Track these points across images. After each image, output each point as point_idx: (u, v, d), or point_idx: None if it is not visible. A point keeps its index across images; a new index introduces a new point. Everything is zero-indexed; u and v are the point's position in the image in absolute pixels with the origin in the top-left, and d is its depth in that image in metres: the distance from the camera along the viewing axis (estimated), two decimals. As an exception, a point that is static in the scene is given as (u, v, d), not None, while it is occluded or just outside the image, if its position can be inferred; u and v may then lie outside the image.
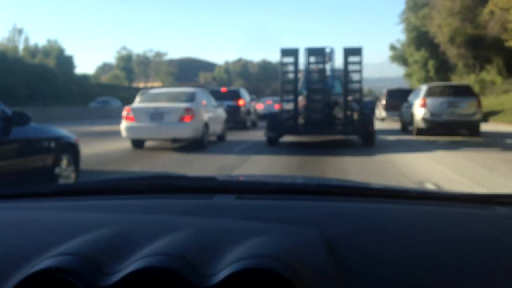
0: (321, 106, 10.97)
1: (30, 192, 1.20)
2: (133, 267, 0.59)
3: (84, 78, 51.55)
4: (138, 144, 10.68)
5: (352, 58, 10.77)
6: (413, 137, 13.15)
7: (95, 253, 0.64)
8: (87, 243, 0.67)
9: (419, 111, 13.24)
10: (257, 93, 78.59)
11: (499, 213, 0.97)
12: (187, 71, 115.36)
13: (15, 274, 0.63)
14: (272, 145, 10.75)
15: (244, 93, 19.30)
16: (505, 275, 0.68)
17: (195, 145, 10.41)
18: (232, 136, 13.61)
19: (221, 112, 12.68)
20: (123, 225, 0.77)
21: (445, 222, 0.89)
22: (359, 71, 10.86)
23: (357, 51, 10.71)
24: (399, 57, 47.80)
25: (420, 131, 13.38)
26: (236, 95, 18.18)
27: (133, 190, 1.17)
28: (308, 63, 11.05)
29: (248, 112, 18.78)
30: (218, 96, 17.63)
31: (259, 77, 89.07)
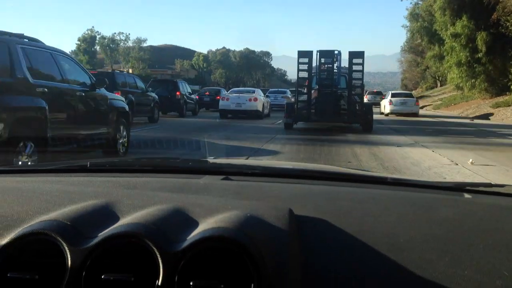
0: (329, 99, 13.21)
1: (34, 168, 1.45)
2: (109, 233, 0.67)
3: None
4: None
5: (355, 60, 13.14)
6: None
7: (79, 220, 0.71)
8: (73, 211, 0.74)
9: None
10: (238, 84, 66.15)
11: (465, 199, 1.08)
12: (166, 58, 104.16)
13: (7, 235, 0.70)
14: (288, 129, 13.12)
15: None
16: (466, 249, 0.75)
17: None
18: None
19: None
20: (111, 198, 0.83)
21: (415, 205, 0.95)
22: (361, 71, 13.25)
23: (359, 54, 13.16)
24: (426, 30, 32.91)
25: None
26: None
27: (129, 169, 1.34)
28: (320, 63, 13.40)
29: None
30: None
31: (241, 67, 76.18)
